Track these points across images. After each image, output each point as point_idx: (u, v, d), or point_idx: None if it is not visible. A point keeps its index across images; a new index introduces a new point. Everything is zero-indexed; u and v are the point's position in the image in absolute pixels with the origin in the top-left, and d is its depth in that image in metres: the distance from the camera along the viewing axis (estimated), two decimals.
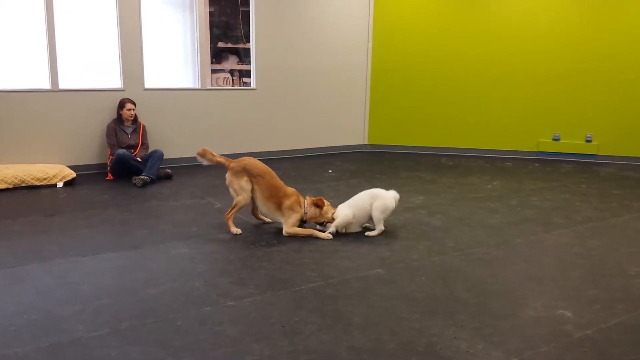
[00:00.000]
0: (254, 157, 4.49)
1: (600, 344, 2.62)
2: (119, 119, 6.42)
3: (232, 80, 8.16)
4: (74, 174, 5.93)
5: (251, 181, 4.31)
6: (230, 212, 4.34)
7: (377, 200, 4.24)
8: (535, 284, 3.36)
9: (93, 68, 6.66)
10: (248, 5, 7.55)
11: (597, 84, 7.94)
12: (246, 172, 4.32)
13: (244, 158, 4.46)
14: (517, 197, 5.66)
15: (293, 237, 4.18)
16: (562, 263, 3.75)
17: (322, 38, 8.09)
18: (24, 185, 5.63)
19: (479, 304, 3.04)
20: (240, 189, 4.30)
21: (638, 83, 7.77)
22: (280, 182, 4.38)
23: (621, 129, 7.96)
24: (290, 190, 4.35)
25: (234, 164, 4.39)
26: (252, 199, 4.39)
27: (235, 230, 4.27)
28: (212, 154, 4.49)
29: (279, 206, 4.27)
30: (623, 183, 6.52)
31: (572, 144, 8.18)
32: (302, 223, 4.34)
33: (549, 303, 3.07)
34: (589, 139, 8.12)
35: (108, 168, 6.28)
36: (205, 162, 4.52)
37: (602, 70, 7.89)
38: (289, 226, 4.22)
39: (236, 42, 8.17)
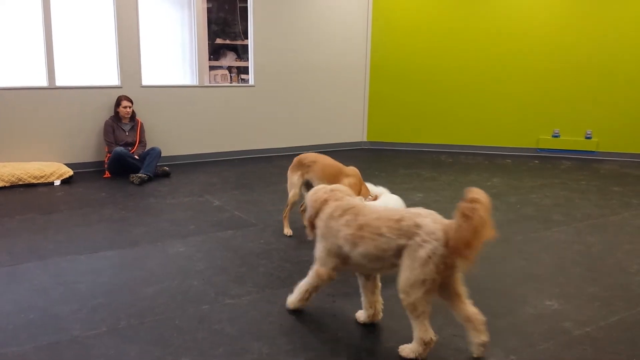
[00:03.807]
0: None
1: (600, 341, 2.61)
2: (116, 117, 6.41)
3: (230, 77, 8.14)
4: (71, 172, 5.91)
5: (303, 174, 4.10)
6: (285, 210, 4.24)
7: None
8: (535, 282, 3.35)
9: (90, 65, 6.64)
10: (246, 1, 7.52)
11: (596, 81, 7.93)
12: (299, 164, 4.14)
13: (303, 154, 4.28)
14: (517, 195, 5.65)
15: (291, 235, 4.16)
16: (562, 260, 3.74)
17: (321, 34, 8.07)
18: (20, 183, 5.61)
19: (477, 302, 3.02)
20: (290, 185, 4.16)
21: (637, 79, 7.76)
22: (336, 162, 4.13)
23: (621, 126, 7.94)
24: (349, 169, 4.08)
25: (295, 158, 4.21)
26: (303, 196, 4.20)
27: (287, 231, 4.17)
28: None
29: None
30: (623, 180, 6.51)
31: (571, 140, 8.18)
32: None
33: (548, 300, 3.06)
34: (588, 136, 8.11)
35: (105, 166, 6.26)
36: None
37: (601, 66, 7.87)
38: None
39: (234, 39, 8.14)
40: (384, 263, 2.46)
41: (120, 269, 3.45)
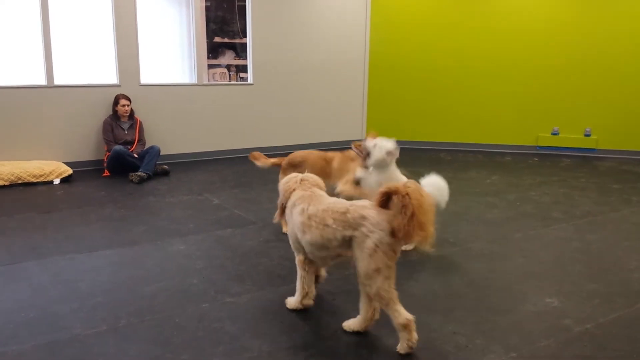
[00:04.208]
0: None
1: (600, 338, 2.61)
2: (115, 115, 6.40)
3: (229, 75, 8.13)
4: (70, 171, 5.91)
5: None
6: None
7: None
8: (534, 279, 3.35)
9: (89, 63, 6.63)
10: None
11: (595, 78, 7.93)
12: (290, 165, 4.10)
13: (293, 153, 4.23)
14: (516, 192, 5.65)
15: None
16: (561, 258, 3.74)
17: (320, 32, 8.06)
18: (20, 182, 5.61)
19: (477, 299, 3.03)
20: None
21: (636, 77, 7.76)
22: (320, 154, 4.09)
23: (620, 123, 7.95)
24: (329, 154, 4.05)
25: (284, 161, 4.19)
26: None
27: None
28: (265, 158, 4.26)
29: (329, 176, 3.96)
30: (622, 177, 6.51)
31: (571, 138, 8.18)
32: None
33: (548, 298, 3.06)
34: (587, 133, 8.12)
35: (104, 164, 6.26)
36: (260, 164, 4.28)
37: (600, 64, 7.87)
38: (342, 184, 3.91)
39: (233, 37, 8.13)
40: (329, 252, 2.60)
41: (119, 268, 3.45)
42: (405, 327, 2.39)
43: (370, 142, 3.78)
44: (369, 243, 2.38)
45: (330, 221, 2.52)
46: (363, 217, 2.42)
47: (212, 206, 4.95)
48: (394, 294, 2.42)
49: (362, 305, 2.59)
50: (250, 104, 7.68)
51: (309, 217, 2.61)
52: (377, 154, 3.78)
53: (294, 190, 2.83)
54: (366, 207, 2.47)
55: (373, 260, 2.38)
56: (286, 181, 2.92)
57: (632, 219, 4.73)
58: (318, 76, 8.17)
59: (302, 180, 2.87)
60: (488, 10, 8.15)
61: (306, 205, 2.67)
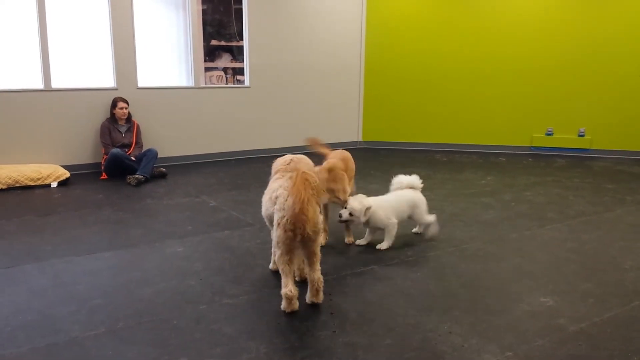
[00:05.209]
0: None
1: (594, 337, 2.63)
2: (113, 118, 6.42)
3: (226, 78, 8.15)
4: (68, 174, 5.92)
5: None
6: None
7: (417, 209, 4.03)
8: (530, 279, 3.37)
9: (86, 67, 6.64)
10: (241, 2, 7.53)
11: (589, 79, 7.98)
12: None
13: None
14: (511, 193, 5.69)
15: None
16: (556, 258, 3.77)
17: (316, 35, 8.09)
18: (17, 185, 5.61)
19: (473, 300, 3.06)
20: None
21: (630, 77, 7.81)
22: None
23: (614, 123, 8.00)
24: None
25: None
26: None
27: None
28: (321, 145, 4.26)
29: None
30: (616, 177, 6.55)
31: (565, 138, 8.22)
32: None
33: (543, 298, 3.09)
34: (581, 134, 8.16)
35: (102, 167, 6.27)
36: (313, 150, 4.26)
37: (594, 64, 7.92)
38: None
39: (229, 40, 8.15)
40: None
41: (117, 270, 3.46)
42: (285, 297, 2.79)
43: (354, 207, 3.75)
44: (275, 219, 2.79)
45: (267, 199, 2.95)
46: (277, 197, 2.82)
47: (209, 208, 4.97)
48: (287, 269, 2.78)
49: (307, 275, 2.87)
50: (247, 107, 7.70)
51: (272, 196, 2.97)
52: (365, 216, 3.82)
53: (278, 170, 3.17)
54: (281, 187, 2.86)
55: (276, 234, 2.77)
56: (280, 159, 3.23)
57: (626, 218, 4.77)
58: (314, 78, 8.20)
59: (291, 160, 3.15)
60: (481, 13, 8.19)
61: (276, 185, 2.99)
